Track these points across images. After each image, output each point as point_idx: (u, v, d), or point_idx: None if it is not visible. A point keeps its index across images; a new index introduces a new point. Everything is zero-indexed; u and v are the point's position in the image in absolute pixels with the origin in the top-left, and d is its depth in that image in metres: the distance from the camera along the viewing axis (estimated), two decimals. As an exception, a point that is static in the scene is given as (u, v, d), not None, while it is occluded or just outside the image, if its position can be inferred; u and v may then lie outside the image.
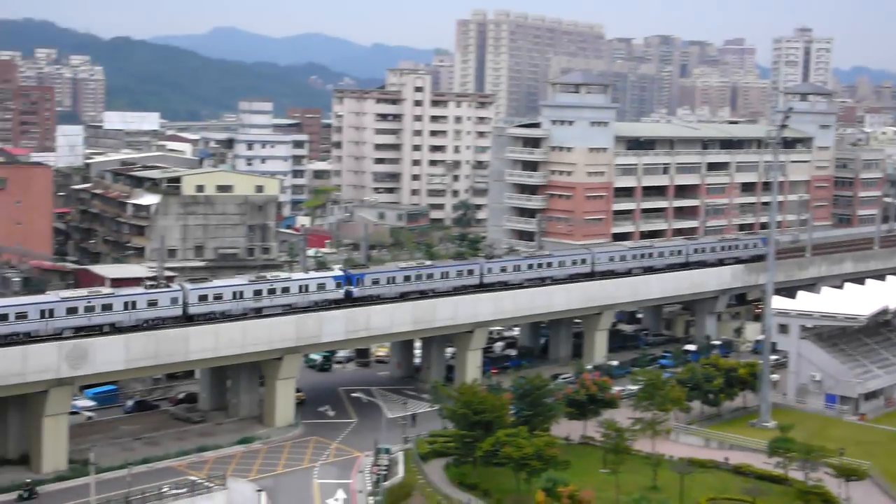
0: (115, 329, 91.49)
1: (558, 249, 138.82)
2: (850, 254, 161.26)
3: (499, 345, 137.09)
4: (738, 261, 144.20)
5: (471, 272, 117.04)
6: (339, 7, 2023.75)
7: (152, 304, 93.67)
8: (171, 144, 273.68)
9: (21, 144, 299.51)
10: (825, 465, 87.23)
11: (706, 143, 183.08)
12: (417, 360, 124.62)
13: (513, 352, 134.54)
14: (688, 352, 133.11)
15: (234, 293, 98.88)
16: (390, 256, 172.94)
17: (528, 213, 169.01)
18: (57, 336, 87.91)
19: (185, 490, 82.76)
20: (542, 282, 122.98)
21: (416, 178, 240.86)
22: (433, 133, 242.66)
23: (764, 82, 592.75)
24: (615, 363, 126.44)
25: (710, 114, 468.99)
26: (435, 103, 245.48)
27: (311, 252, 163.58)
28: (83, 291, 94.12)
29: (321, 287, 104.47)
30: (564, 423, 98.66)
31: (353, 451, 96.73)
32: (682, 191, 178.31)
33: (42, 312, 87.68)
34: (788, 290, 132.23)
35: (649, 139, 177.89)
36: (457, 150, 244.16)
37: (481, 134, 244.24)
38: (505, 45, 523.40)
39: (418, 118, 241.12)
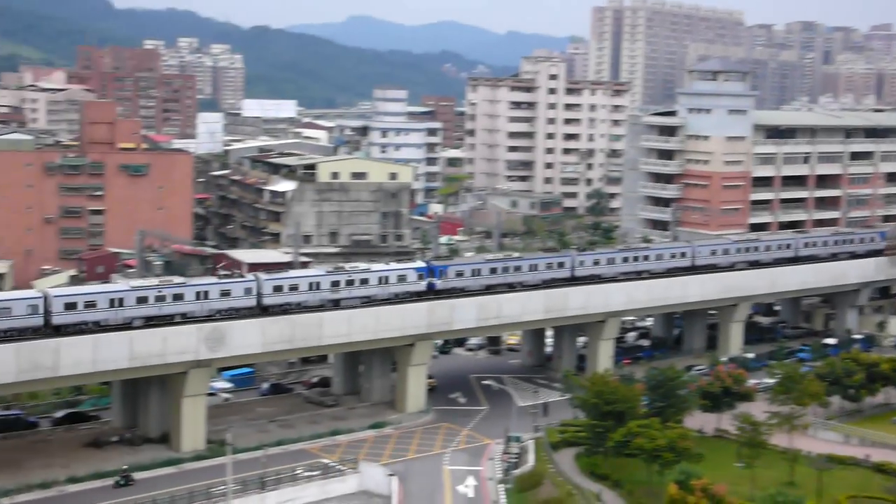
0: (187, 319, 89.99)
1: (696, 239, 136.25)
2: None
3: (631, 335, 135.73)
4: (854, 256, 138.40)
5: (561, 265, 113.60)
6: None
7: (225, 294, 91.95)
8: (307, 132, 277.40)
9: (164, 131, 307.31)
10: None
11: (849, 132, 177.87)
12: (549, 349, 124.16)
13: (646, 342, 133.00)
14: (827, 345, 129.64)
15: (311, 284, 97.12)
16: (522, 245, 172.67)
17: (662, 202, 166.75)
18: (127, 326, 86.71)
19: (318, 473, 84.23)
20: (638, 276, 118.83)
21: (549, 166, 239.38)
22: (567, 121, 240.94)
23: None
24: (751, 356, 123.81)
25: (854, 102, 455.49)
26: (569, 91, 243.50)
27: (443, 239, 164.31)
28: (154, 281, 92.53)
29: (402, 279, 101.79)
30: (697, 416, 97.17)
31: (484, 439, 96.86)
32: (824, 181, 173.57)
33: (111, 301, 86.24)
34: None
35: (790, 128, 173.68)
36: (591, 138, 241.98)
37: (616, 122, 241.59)
38: (641, 33, 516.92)
39: (552, 106, 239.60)
